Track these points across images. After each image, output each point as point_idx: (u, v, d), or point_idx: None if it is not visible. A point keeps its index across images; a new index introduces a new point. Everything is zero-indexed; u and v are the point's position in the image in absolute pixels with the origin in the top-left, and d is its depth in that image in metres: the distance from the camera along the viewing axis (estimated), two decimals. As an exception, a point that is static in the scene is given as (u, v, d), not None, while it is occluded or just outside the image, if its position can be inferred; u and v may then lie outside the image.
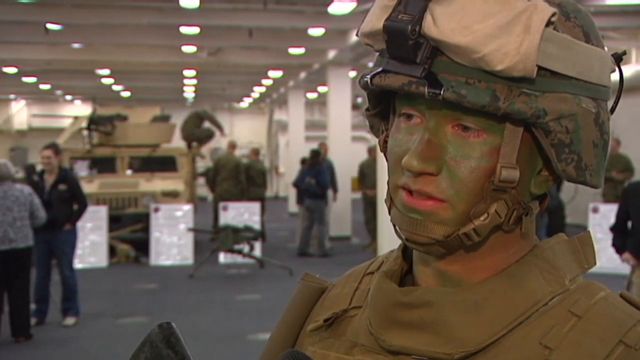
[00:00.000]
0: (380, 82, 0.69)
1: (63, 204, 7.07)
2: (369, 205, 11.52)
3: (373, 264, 0.87)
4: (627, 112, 13.14)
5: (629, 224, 4.96)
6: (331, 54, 13.69)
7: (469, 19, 0.65)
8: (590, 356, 0.67)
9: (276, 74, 17.24)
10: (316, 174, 11.19)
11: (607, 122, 0.74)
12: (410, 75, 0.67)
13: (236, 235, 9.73)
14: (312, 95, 21.99)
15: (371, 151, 12.17)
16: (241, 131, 27.39)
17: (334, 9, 9.52)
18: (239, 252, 9.87)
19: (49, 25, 11.20)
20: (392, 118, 0.76)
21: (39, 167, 7.25)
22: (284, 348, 0.85)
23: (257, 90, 22.14)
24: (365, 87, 0.72)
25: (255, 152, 13.63)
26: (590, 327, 0.69)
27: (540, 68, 0.66)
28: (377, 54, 0.73)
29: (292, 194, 18.64)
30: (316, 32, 11.62)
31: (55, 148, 7.19)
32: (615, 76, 0.78)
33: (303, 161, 12.30)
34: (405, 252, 0.82)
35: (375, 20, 0.69)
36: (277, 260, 10.27)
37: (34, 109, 25.73)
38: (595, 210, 9.62)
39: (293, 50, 13.80)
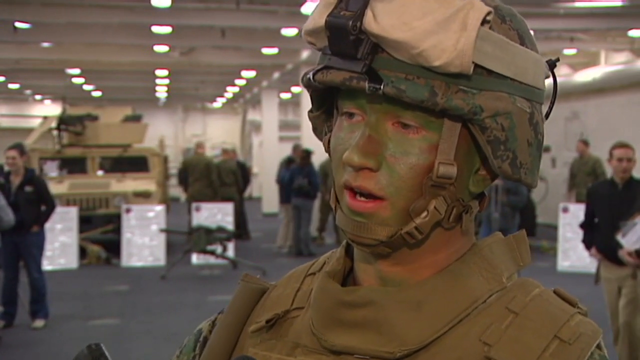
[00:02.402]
0: (322, 79, 0.71)
1: (30, 206, 6.95)
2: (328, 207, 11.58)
3: (314, 264, 0.87)
4: (596, 113, 13.35)
5: (596, 220, 5.23)
6: (304, 54, 13.69)
7: (409, 16, 0.67)
8: (527, 351, 0.70)
9: (249, 74, 17.20)
10: (307, 174, 11.16)
11: (542, 123, 0.76)
12: (351, 70, 0.69)
13: (209, 236, 9.68)
14: (285, 96, 21.98)
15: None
16: (214, 131, 27.29)
17: (307, 9, 9.52)
18: (212, 252, 9.82)
19: (18, 24, 11.04)
20: (336, 118, 0.77)
21: (7, 168, 7.12)
22: (225, 350, 0.85)
23: (231, 91, 22.07)
24: (308, 84, 0.74)
25: (226, 152, 13.56)
26: (527, 323, 0.72)
27: (477, 66, 0.68)
28: (321, 53, 0.74)
29: (266, 194, 18.62)
30: (289, 32, 11.61)
31: (20, 148, 7.06)
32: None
33: (289, 161, 12.19)
34: (347, 252, 0.82)
35: (318, 17, 0.71)
36: (251, 260, 10.24)
37: (2, 109, 25.35)
38: (565, 210, 9.74)
39: (266, 51, 13.78)
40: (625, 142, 5.19)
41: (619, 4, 10.03)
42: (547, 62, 0.78)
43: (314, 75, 0.72)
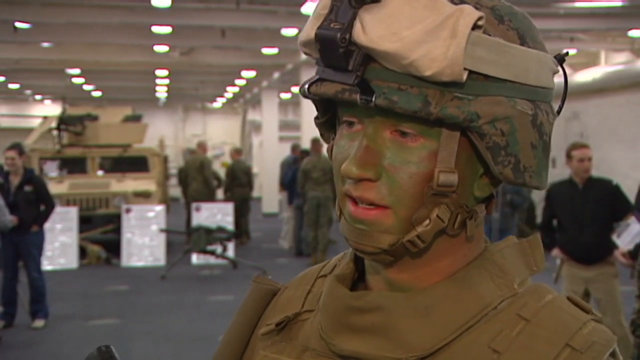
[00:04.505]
0: (316, 91, 0.70)
1: (29, 206, 6.95)
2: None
3: (326, 266, 0.87)
4: (597, 114, 13.34)
5: (554, 222, 5.19)
6: (304, 54, 13.67)
7: (398, 26, 0.65)
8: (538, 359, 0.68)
9: (249, 74, 17.19)
10: None
11: (547, 123, 0.74)
12: (343, 83, 0.68)
13: (209, 236, 9.67)
14: (285, 96, 21.97)
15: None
16: (214, 131, 27.28)
17: (307, 9, 9.52)
18: (212, 252, 9.82)
19: (18, 24, 11.04)
20: (338, 126, 0.77)
21: (6, 168, 7.13)
22: (236, 351, 0.85)
23: (231, 91, 22.06)
24: (304, 95, 0.73)
25: (238, 151, 13.53)
26: (538, 330, 0.70)
27: (472, 72, 0.66)
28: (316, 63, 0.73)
29: (266, 194, 18.62)
30: (289, 32, 11.60)
31: (19, 149, 7.06)
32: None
33: (295, 161, 12.22)
34: (357, 256, 0.81)
35: (310, 29, 0.70)
36: (251, 260, 10.24)
37: (2, 109, 25.33)
38: (565, 210, 9.71)
39: (266, 50, 13.77)
40: (583, 143, 5.20)
41: (619, 4, 10.03)
42: (555, 57, 0.76)
43: (308, 87, 0.71)
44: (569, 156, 5.01)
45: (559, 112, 0.78)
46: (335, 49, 0.67)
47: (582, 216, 4.92)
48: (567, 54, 0.79)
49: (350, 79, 0.67)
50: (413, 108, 0.66)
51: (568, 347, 0.69)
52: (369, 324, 0.73)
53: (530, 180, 0.72)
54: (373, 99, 0.66)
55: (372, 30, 0.65)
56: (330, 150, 0.78)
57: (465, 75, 0.66)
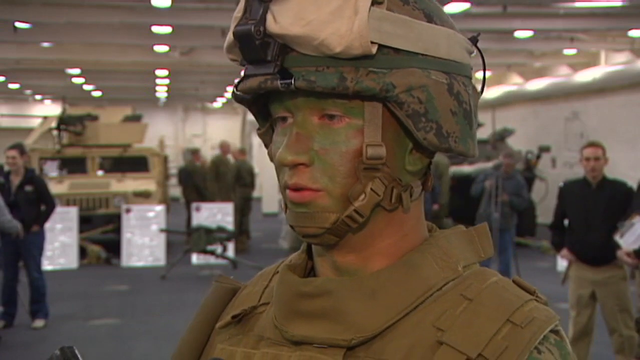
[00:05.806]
0: (242, 87, 0.75)
1: (30, 205, 6.96)
2: None
3: (283, 263, 0.89)
4: (596, 113, 13.35)
5: (566, 222, 5.14)
6: (304, 54, 13.67)
7: (305, 12, 0.70)
8: (479, 335, 0.71)
9: (249, 74, 17.19)
10: None
11: (465, 93, 0.77)
12: (265, 74, 0.72)
13: (209, 236, 9.68)
14: (285, 96, 21.94)
15: None
16: (214, 131, 27.28)
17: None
18: (212, 252, 9.83)
19: (18, 24, 11.04)
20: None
21: (7, 168, 7.14)
22: (195, 348, 0.88)
23: (230, 91, 22.05)
24: (236, 98, 0.78)
25: (242, 152, 13.54)
26: (480, 308, 0.73)
27: (382, 47, 0.71)
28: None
29: (266, 194, 18.62)
30: (289, 32, 11.61)
31: (20, 148, 7.07)
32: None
33: None
34: (310, 248, 0.84)
35: (230, 33, 0.75)
36: (251, 260, 10.24)
37: (2, 109, 25.33)
38: (565, 210, 9.70)
39: (266, 50, 13.77)
40: (595, 142, 5.13)
41: (619, 4, 10.03)
42: (469, 38, 0.80)
43: (236, 87, 0.75)
44: (582, 154, 5.00)
45: (481, 91, 0.81)
46: (252, 42, 0.71)
47: (592, 216, 4.88)
48: (479, 34, 0.83)
49: (270, 68, 0.72)
50: (331, 85, 0.70)
51: (509, 323, 0.71)
52: (318, 309, 0.75)
53: (455, 145, 0.76)
54: (292, 82, 0.70)
55: (282, 19, 0.70)
56: (269, 152, 0.81)
57: (374, 49, 0.70)
